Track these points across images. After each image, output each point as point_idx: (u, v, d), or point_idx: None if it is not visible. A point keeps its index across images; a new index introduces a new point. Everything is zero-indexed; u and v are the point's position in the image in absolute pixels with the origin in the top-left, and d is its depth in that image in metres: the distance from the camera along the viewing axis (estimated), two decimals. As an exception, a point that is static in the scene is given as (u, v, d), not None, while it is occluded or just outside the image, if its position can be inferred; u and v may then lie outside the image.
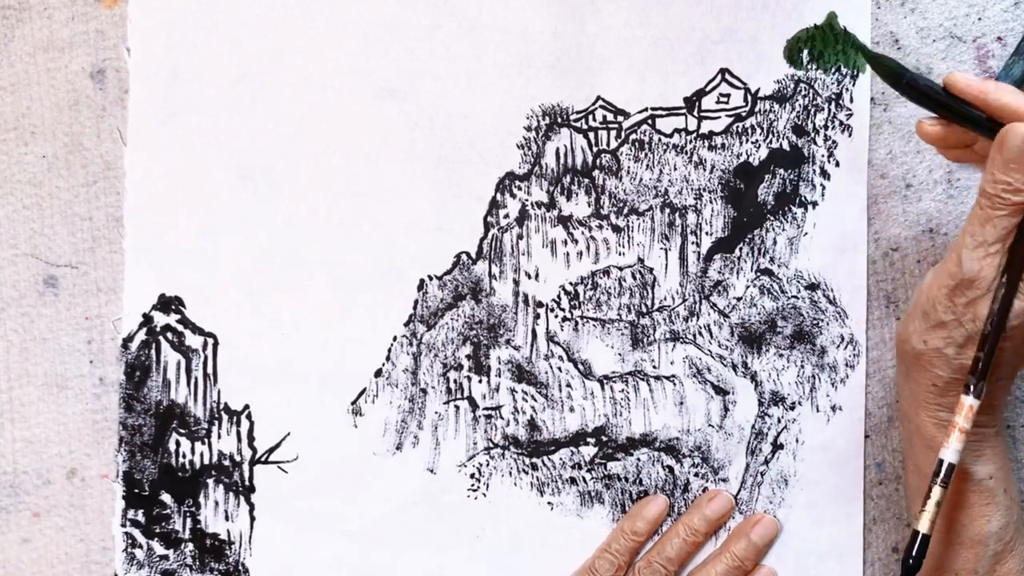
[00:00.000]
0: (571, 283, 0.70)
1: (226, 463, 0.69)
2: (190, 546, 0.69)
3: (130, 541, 0.68)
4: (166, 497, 0.69)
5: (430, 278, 0.69)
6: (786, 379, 0.70)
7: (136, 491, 0.68)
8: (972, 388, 0.59)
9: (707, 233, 0.70)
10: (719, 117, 0.69)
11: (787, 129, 0.70)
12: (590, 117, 0.69)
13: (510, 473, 0.70)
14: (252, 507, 0.69)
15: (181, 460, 0.69)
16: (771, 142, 0.70)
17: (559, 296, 0.70)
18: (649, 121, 0.69)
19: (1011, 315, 0.58)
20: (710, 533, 0.70)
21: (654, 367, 0.70)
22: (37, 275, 0.68)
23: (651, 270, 0.70)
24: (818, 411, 0.70)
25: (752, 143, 0.70)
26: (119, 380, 0.68)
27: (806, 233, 0.70)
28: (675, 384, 0.70)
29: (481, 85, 0.69)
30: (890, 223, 0.70)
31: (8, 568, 0.68)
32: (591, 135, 0.69)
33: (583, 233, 0.70)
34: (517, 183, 0.69)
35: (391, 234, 0.69)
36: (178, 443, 0.69)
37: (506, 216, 0.69)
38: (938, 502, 0.58)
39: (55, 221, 0.68)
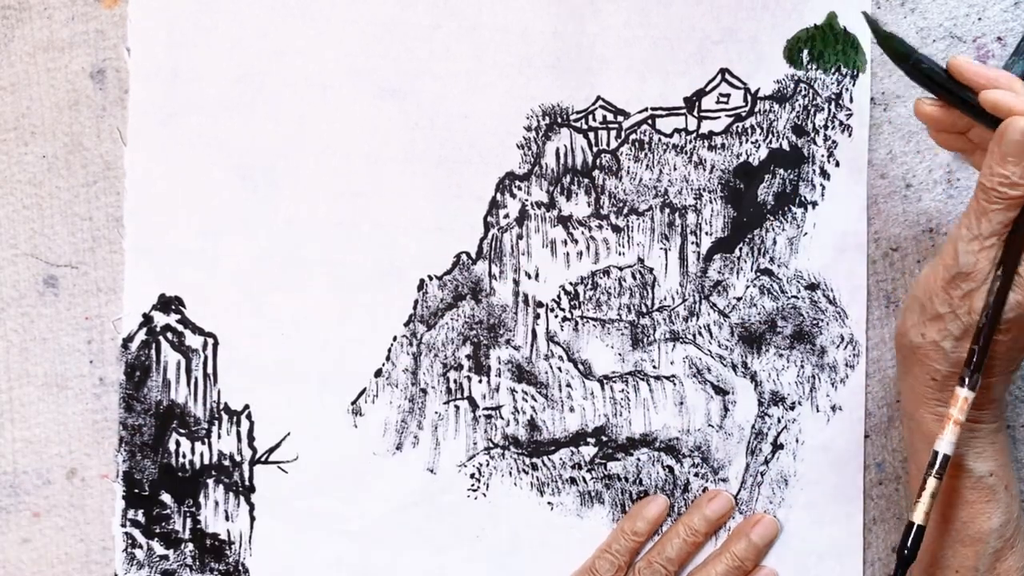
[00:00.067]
0: (571, 283, 0.70)
1: (226, 463, 0.69)
2: (190, 546, 0.69)
3: (130, 541, 0.68)
4: (166, 497, 0.69)
5: (430, 278, 0.69)
6: (786, 379, 0.70)
7: (136, 491, 0.68)
8: (967, 380, 0.59)
9: (707, 233, 0.70)
10: (719, 117, 0.69)
11: (787, 129, 0.70)
12: (590, 117, 0.69)
13: (510, 473, 0.70)
14: (252, 507, 0.69)
15: (181, 460, 0.69)
16: (771, 142, 0.70)
17: (559, 296, 0.70)
18: (649, 121, 0.69)
19: (1006, 307, 0.58)
20: (710, 533, 0.70)
21: (654, 367, 0.70)
22: (37, 275, 0.68)
23: (651, 270, 0.70)
24: (818, 411, 0.70)
25: (752, 143, 0.70)
26: (119, 380, 0.68)
27: (806, 233, 0.70)
28: (675, 384, 0.70)
29: (481, 85, 0.69)
30: (890, 223, 0.70)
31: (8, 568, 0.68)
32: (591, 135, 0.69)
33: (583, 233, 0.70)
34: (517, 183, 0.69)
35: (391, 234, 0.69)
36: (178, 443, 0.69)
37: (506, 216, 0.69)
38: (933, 493, 0.59)
39: (55, 221, 0.68)
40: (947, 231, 0.70)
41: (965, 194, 0.70)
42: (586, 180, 0.70)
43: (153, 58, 0.68)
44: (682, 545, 0.69)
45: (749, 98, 0.69)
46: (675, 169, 0.70)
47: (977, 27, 0.70)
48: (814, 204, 0.70)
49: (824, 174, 0.70)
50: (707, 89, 0.69)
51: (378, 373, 0.69)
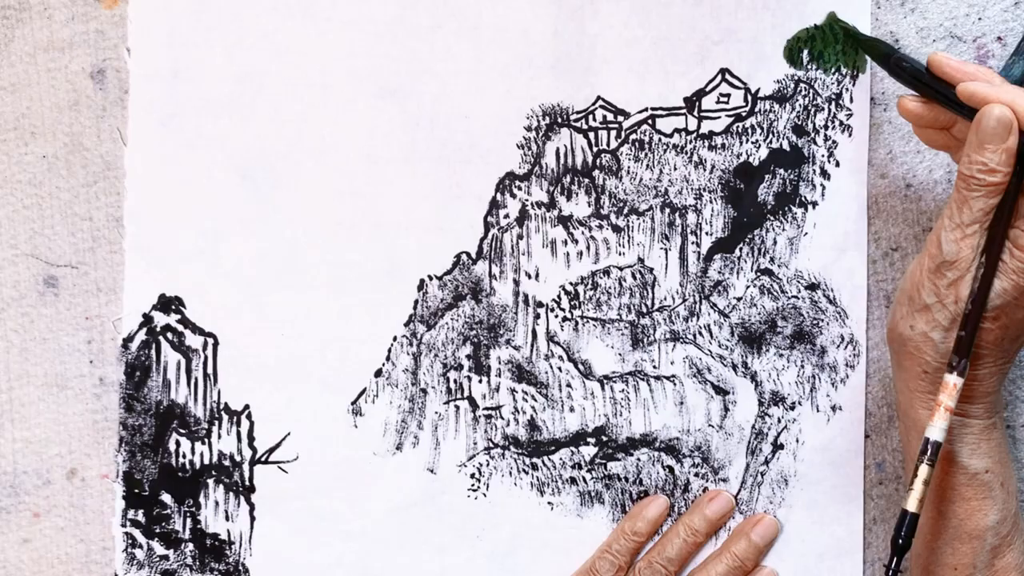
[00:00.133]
0: (571, 283, 0.70)
1: (226, 463, 0.69)
2: (190, 546, 0.69)
3: (130, 541, 0.68)
4: (166, 497, 0.68)
5: (430, 278, 0.69)
6: (786, 379, 0.70)
7: (136, 491, 0.68)
8: (955, 365, 0.59)
9: (707, 233, 0.70)
10: (719, 117, 0.69)
11: (787, 129, 0.70)
12: (590, 117, 0.69)
13: (510, 473, 0.70)
14: (252, 507, 0.69)
15: (181, 460, 0.69)
16: (771, 142, 0.70)
17: (559, 296, 0.70)
18: (649, 121, 0.69)
19: (992, 294, 0.59)
20: (710, 533, 0.70)
21: (654, 367, 0.70)
22: (37, 275, 0.68)
23: (651, 270, 0.70)
24: (818, 411, 0.70)
25: (752, 143, 0.70)
26: (119, 380, 0.68)
27: (806, 233, 0.70)
28: (675, 384, 0.70)
29: (481, 85, 0.69)
30: (890, 223, 0.70)
31: (8, 568, 0.68)
32: (591, 135, 0.69)
33: (583, 233, 0.70)
34: (517, 183, 0.69)
35: (391, 234, 0.69)
36: (178, 443, 0.69)
37: (506, 216, 0.69)
38: (925, 480, 0.59)
39: (55, 221, 0.68)
40: (947, 231, 0.70)
41: (965, 194, 0.70)
42: (586, 180, 0.70)
43: (153, 58, 0.68)
44: (682, 545, 0.69)
45: (749, 98, 0.69)
46: (675, 169, 0.70)
47: (977, 27, 0.70)
48: (814, 204, 0.70)
49: (824, 174, 0.70)
50: (707, 89, 0.69)
51: (378, 373, 0.69)
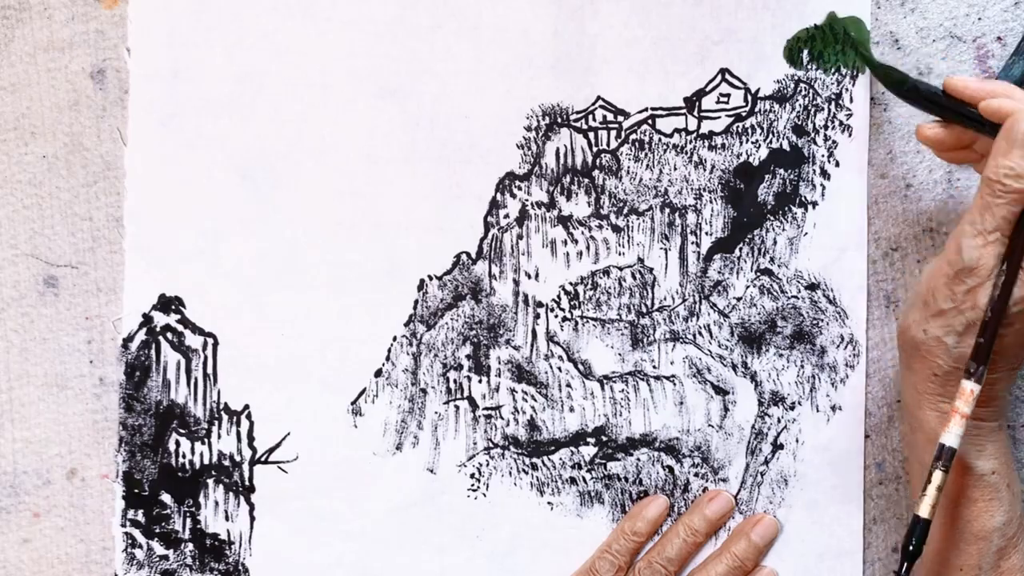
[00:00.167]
0: (571, 283, 0.70)
1: (226, 463, 0.69)
2: (190, 546, 0.69)
3: (130, 541, 0.68)
4: (166, 497, 0.69)
5: (430, 278, 0.69)
6: (786, 379, 0.70)
7: (136, 491, 0.68)
8: (973, 372, 0.59)
9: (707, 233, 0.70)
10: (719, 117, 0.69)
11: (787, 129, 0.70)
12: (590, 117, 0.69)
13: (510, 473, 0.70)
14: (252, 507, 0.69)
15: (181, 460, 0.69)
16: (771, 142, 0.70)
17: (559, 296, 0.70)
18: (649, 121, 0.69)
19: (1011, 302, 0.59)
20: (710, 533, 0.70)
21: (654, 367, 0.70)
22: (37, 275, 0.68)
23: (651, 270, 0.70)
24: (818, 411, 0.70)
25: (752, 143, 0.70)
26: (119, 380, 0.68)
27: (806, 233, 0.70)
28: (675, 384, 0.70)
29: (481, 85, 0.69)
30: (890, 223, 0.70)
31: (8, 568, 0.68)
32: (591, 135, 0.69)
33: (583, 233, 0.70)
34: (517, 183, 0.69)
35: (391, 234, 0.69)
36: (178, 443, 0.69)
37: (506, 216, 0.69)
38: (939, 486, 0.59)
39: (55, 221, 0.68)
40: (947, 231, 0.70)
41: (965, 194, 0.70)
42: (586, 180, 0.70)
43: (153, 58, 0.68)
44: (682, 545, 0.69)
45: (749, 98, 0.69)
46: (675, 169, 0.70)
47: (977, 27, 0.70)
48: (814, 204, 0.70)
49: (824, 174, 0.70)
50: (707, 89, 0.69)
51: (378, 373, 0.69)
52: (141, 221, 0.68)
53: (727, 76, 0.69)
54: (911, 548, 0.58)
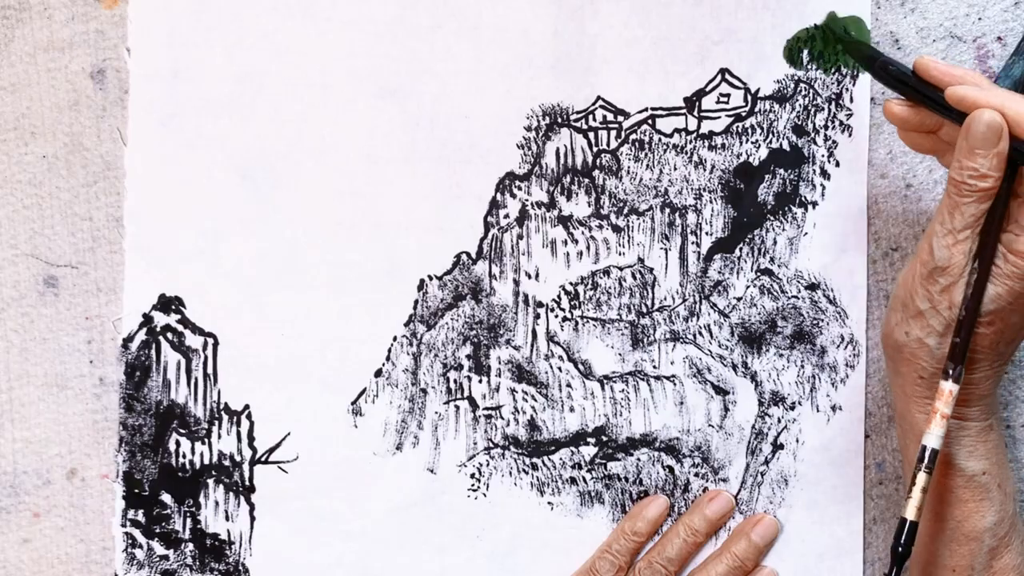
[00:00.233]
0: (571, 283, 0.70)
1: (226, 463, 0.69)
2: (190, 546, 0.69)
3: (130, 541, 0.68)
4: (166, 497, 0.68)
5: (430, 278, 0.69)
6: (786, 379, 0.70)
7: (136, 491, 0.68)
8: (951, 372, 0.59)
9: (707, 233, 0.70)
10: (719, 117, 0.69)
11: (787, 129, 0.70)
12: (590, 117, 0.69)
13: (510, 473, 0.70)
14: (252, 507, 0.69)
15: (181, 460, 0.69)
16: (771, 142, 0.70)
17: (559, 296, 0.70)
18: (649, 121, 0.69)
19: (986, 299, 0.59)
20: (710, 533, 0.70)
21: (654, 367, 0.70)
22: (37, 275, 0.68)
23: (651, 270, 0.70)
24: (818, 411, 0.70)
25: (752, 143, 0.70)
26: (119, 380, 0.68)
27: (806, 233, 0.70)
28: (675, 384, 0.70)
29: (481, 85, 0.69)
30: (890, 223, 0.70)
31: (8, 568, 0.68)
32: (591, 135, 0.69)
33: (583, 233, 0.70)
34: (517, 183, 0.69)
35: (391, 234, 0.69)
36: (178, 443, 0.69)
37: (506, 216, 0.69)
38: (923, 488, 0.59)
39: (55, 221, 0.68)
40: (947, 231, 0.70)
41: (965, 194, 0.70)
42: (586, 180, 0.70)
43: (153, 58, 0.68)
44: (682, 545, 0.69)
45: (749, 98, 0.69)
46: (675, 169, 0.70)
47: (977, 27, 0.70)
48: (814, 204, 0.70)
49: (824, 174, 0.70)
50: (707, 89, 0.69)
51: (378, 373, 0.69)
52: (141, 221, 0.68)
53: (727, 76, 0.69)
54: (899, 550, 0.58)
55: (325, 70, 0.68)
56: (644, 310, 0.70)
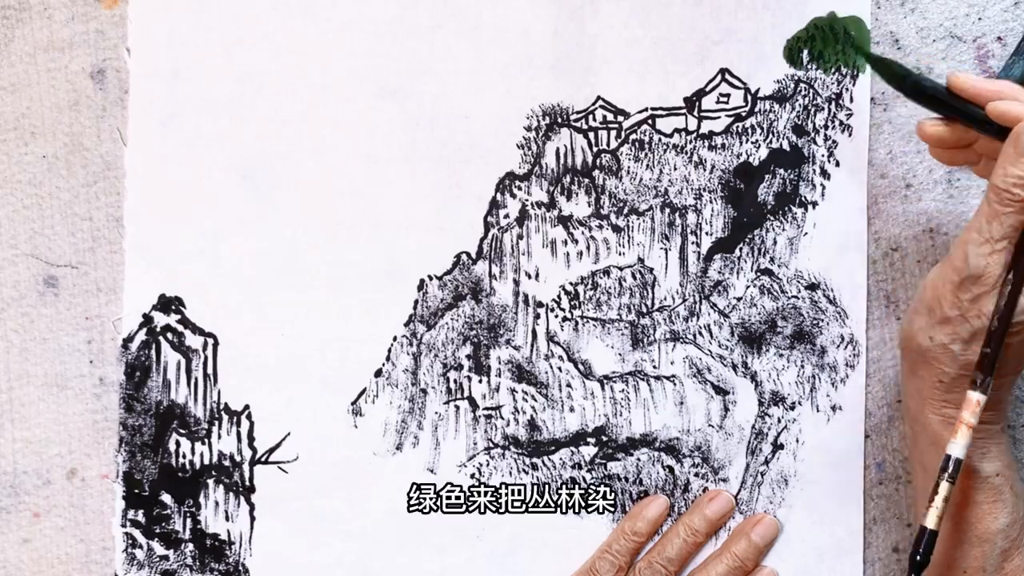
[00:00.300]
0: (571, 283, 0.70)
1: (226, 463, 0.69)
2: (190, 546, 0.69)
3: (130, 541, 0.68)
4: (166, 497, 0.68)
5: (430, 278, 0.69)
6: (786, 379, 0.70)
7: (136, 491, 0.68)
8: (979, 383, 0.59)
9: (707, 233, 0.70)
10: (719, 117, 0.69)
11: (787, 129, 0.70)
12: (590, 117, 0.69)
13: (510, 473, 0.70)
14: (252, 507, 0.69)
15: (181, 460, 0.69)
16: (771, 142, 0.70)
17: (559, 296, 0.70)
18: (649, 121, 0.69)
19: (1017, 310, 0.58)
20: (710, 533, 0.70)
21: (654, 367, 0.70)
22: (37, 275, 0.68)
23: (651, 270, 0.70)
24: (818, 411, 0.70)
25: (752, 143, 0.70)
26: (119, 380, 0.68)
27: (806, 233, 0.70)
28: (675, 384, 0.70)
29: (481, 85, 0.69)
30: (890, 223, 0.70)
31: (8, 568, 0.68)
32: (591, 135, 0.69)
33: (583, 233, 0.70)
34: (517, 183, 0.69)
35: (391, 234, 0.69)
36: (178, 443, 0.69)
37: (506, 216, 0.69)
38: (946, 497, 0.58)
39: (55, 221, 0.68)
40: (947, 231, 0.70)
41: (965, 194, 0.70)
42: (586, 180, 0.70)
43: (153, 58, 0.68)
44: (682, 545, 0.69)
45: (749, 98, 0.69)
46: (675, 169, 0.70)
47: (977, 27, 0.70)
48: (814, 204, 0.70)
49: (824, 174, 0.70)
50: (707, 89, 0.69)
51: (378, 373, 0.69)
52: (141, 221, 0.68)
53: (727, 76, 0.69)
54: (918, 559, 0.58)
55: (325, 70, 0.68)
56: (644, 310, 0.70)
